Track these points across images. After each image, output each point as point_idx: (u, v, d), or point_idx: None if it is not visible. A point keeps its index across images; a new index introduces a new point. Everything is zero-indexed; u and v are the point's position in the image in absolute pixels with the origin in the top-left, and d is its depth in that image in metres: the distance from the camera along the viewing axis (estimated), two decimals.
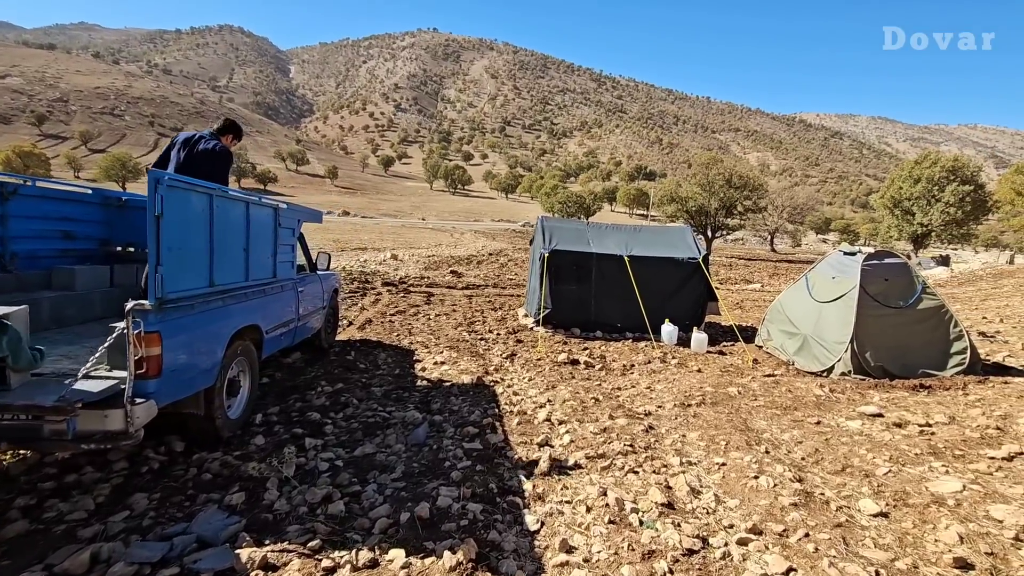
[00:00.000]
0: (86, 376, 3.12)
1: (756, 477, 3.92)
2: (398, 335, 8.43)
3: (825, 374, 6.94)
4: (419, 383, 6.11)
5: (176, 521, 3.06)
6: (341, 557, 2.82)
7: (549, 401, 5.60)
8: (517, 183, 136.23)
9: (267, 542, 2.91)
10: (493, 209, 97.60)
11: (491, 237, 40.74)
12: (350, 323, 9.14)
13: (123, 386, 2.99)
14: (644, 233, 10.33)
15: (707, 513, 3.49)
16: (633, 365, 7.33)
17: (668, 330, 8.75)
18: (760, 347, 8.58)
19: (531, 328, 9.32)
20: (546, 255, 8.89)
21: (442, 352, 7.46)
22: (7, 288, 4.15)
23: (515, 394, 5.82)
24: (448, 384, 6.08)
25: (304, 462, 3.93)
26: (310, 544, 2.89)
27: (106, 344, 3.10)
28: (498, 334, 8.82)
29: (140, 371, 3.07)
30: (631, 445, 4.46)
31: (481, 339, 8.44)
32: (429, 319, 9.87)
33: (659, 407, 5.58)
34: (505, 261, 22.26)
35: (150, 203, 3.06)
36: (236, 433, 4.30)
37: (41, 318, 4.21)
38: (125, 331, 3.00)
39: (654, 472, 4.00)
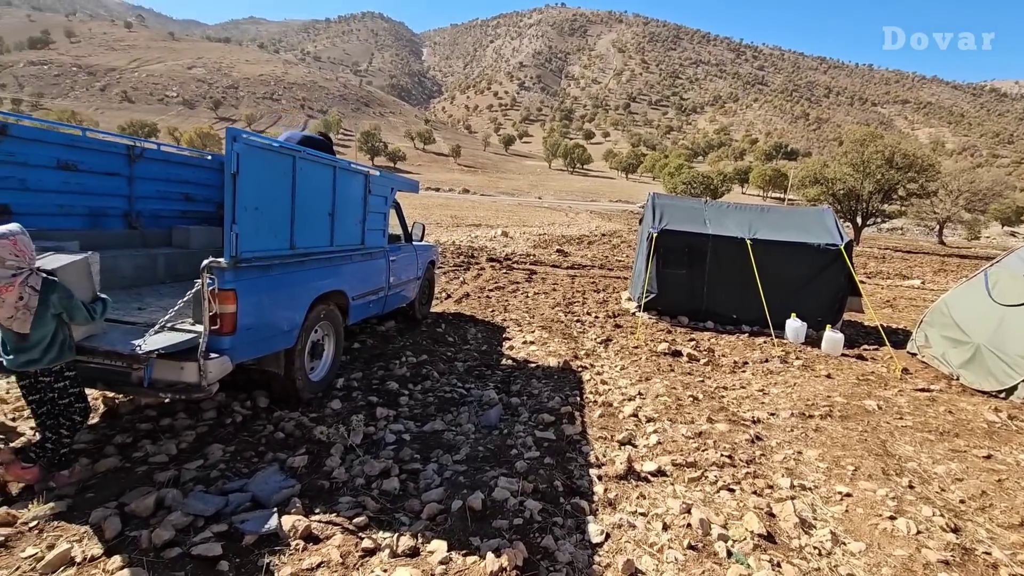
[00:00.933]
0: (172, 329, 3.26)
1: (892, 518, 3.12)
2: (493, 311, 8.29)
3: (1003, 395, 5.55)
4: (504, 362, 5.88)
5: (240, 476, 3.12)
6: (383, 540, 2.65)
7: (640, 394, 5.06)
8: (639, 163, 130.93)
9: (317, 511, 2.84)
10: (612, 189, 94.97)
11: (607, 218, 39.57)
12: (448, 296, 9.20)
13: (200, 340, 3.06)
14: (773, 214, 9.09)
15: (819, 555, 2.83)
16: (746, 363, 6.47)
17: (794, 326, 7.62)
18: (914, 355, 7.16)
19: (633, 313, 8.68)
20: (654, 235, 8.15)
21: (534, 331, 7.18)
22: (133, 244, 4.57)
23: (603, 383, 5.36)
24: (533, 365, 5.77)
25: (372, 432, 3.87)
26: (356, 520, 2.77)
27: (184, 299, 3.20)
28: (596, 317, 8.33)
29: (214, 327, 3.13)
30: (730, 456, 3.82)
31: (577, 321, 8.02)
32: (527, 297, 9.63)
33: (772, 415, 4.79)
34: (617, 243, 21.36)
35: (227, 161, 3.07)
36: (317, 395, 4.38)
37: (158, 272, 4.60)
38: (201, 287, 3.06)
39: (755, 493, 3.37)
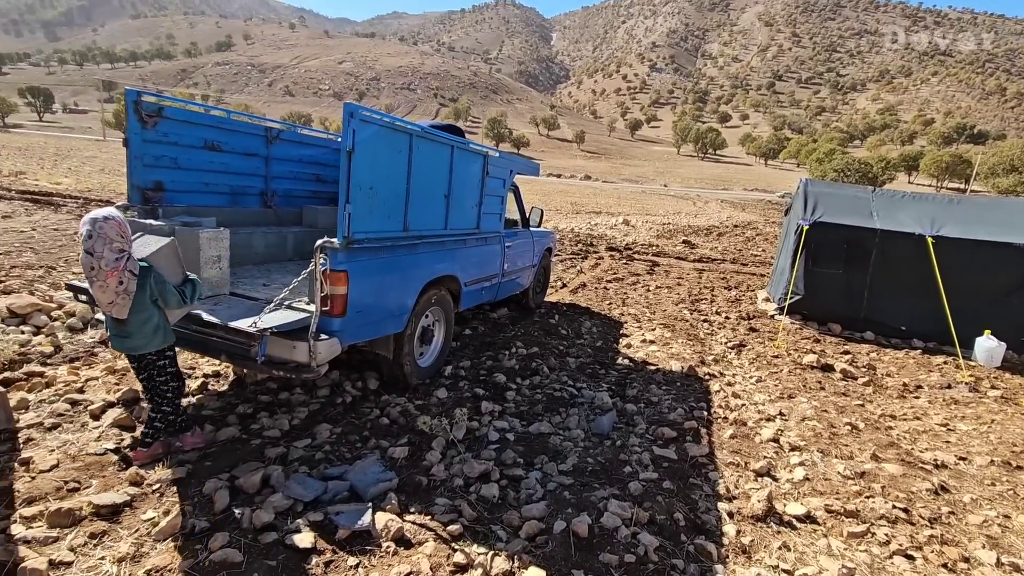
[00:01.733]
0: (289, 307, 3.30)
1: None
2: (610, 304, 7.79)
3: None
4: (619, 361, 5.41)
5: (342, 461, 3.07)
6: (477, 556, 2.40)
7: (782, 414, 4.32)
8: (781, 147, 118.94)
9: (412, 509, 2.68)
10: (748, 177, 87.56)
11: (740, 207, 36.42)
12: (564, 285, 8.85)
13: (311, 321, 3.03)
14: (964, 207, 7.43)
15: None
16: (919, 387, 5.31)
17: (987, 345, 6.16)
18: None
19: (772, 316, 7.65)
20: (804, 228, 7.04)
21: (654, 329, 6.58)
22: (267, 222, 4.82)
23: (735, 396, 4.67)
24: (653, 368, 5.23)
25: (476, 427, 3.67)
26: (451, 527, 2.55)
27: (299, 278, 3.20)
28: (727, 317, 7.46)
29: (325, 308, 3.09)
30: (906, 510, 3.04)
31: (704, 320, 7.23)
32: (648, 290, 8.96)
33: (962, 459, 3.81)
34: (752, 235, 19.41)
35: (343, 137, 2.97)
36: (424, 382, 4.29)
37: (287, 250, 4.80)
38: (313, 268, 3.02)
39: (946, 567, 2.61)
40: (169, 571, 2.12)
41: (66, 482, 2.61)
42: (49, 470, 2.71)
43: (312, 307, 3.13)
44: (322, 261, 3.04)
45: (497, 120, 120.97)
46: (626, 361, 5.42)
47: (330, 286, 3.08)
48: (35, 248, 7.31)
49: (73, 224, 9.38)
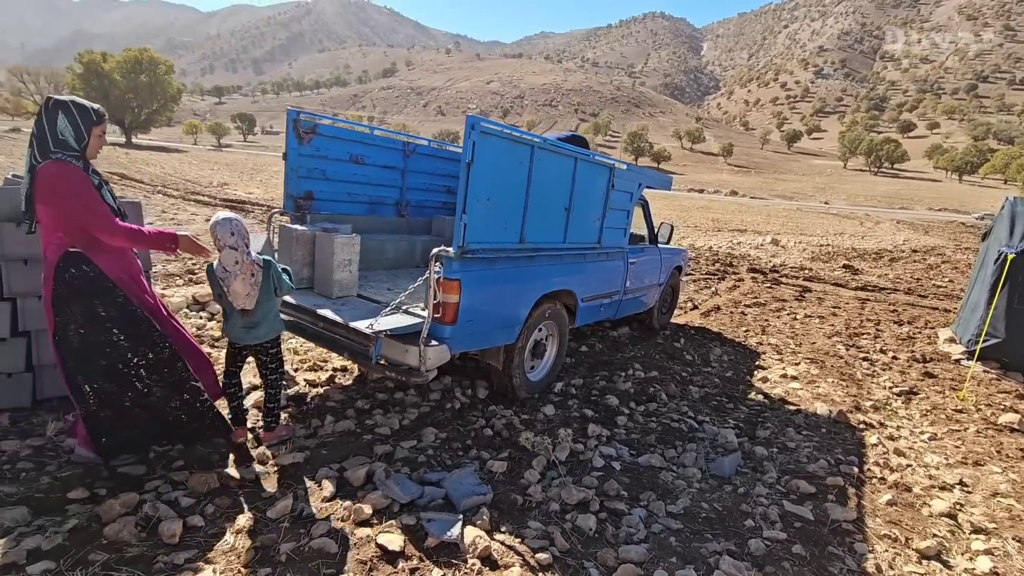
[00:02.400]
0: (406, 311, 3.44)
1: None
2: (747, 331, 7.06)
3: None
4: (752, 396, 4.83)
5: (442, 468, 3.09)
6: None
7: (963, 484, 3.50)
8: (982, 160, 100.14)
9: (503, 528, 2.59)
10: (934, 194, 75.08)
11: (922, 230, 31.24)
12: (694, 307, 8.24)
13: (423, 326, 3.12)
14: None
15: None
16: None
17: None
18: None
19: (957, 361, 6.33)
20: (1010, 256, 5.72)
21: (798, 364, 5.80)
22: (400, 230, 5.13)
23: (898, 453, 3.89)
24: (792, 408, 4.59)
25: (580, 450, 3.49)
26: (540, 555, 2.42)
27: (413, 285, 3.31)
28: (894, 357, 6.33)
29: (437, 315, 3.17)
30: None
31: (864, 359, 6.21)
32: (795, 319, 7.97)
33: None
34: (936, 262, 16.44)
35: (464, 149, 3.03)
36: (533, 396, 4.21)
37: (415, 257, 5.06)
38: (428, 275, 3.11)
39: None
40: (272, 551, 2.27)
41: (211, 451, 2.97)
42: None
43: (424, 313, 3.22)
44: (437, 269, 3.12)
45: (637, 134, 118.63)
46: (760, 397, 4.83)
47: (443, 294, 3.15)
48: None
49: (255, 227, 10.98)
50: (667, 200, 44.76)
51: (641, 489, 3.12)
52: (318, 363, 4.43)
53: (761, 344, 6.52)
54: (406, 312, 3.40)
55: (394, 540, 2.38)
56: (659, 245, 6.22)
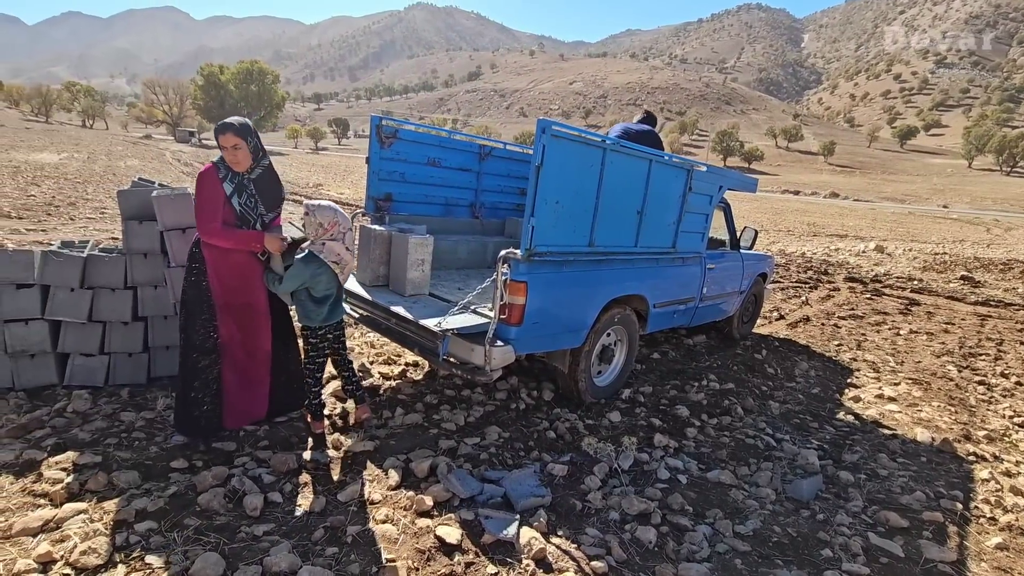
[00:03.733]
0: (473, 311, 3.52)
1: None
2: (839, 345, 6.53)
3: None
4: (840, 416, 4.47)
5: (503, 467, 3.13)
6: None
7: None
8: None
9: (559, 533, 2.59)
10: None
11: None
12: (780, 317, 7.73)
13: (490, 327, 3.18)
14: None
15: None
16: None
17: None
18: None
19: None
20: None
21: (898, 384, 5.28)
22: (473, 231, 5.25)
23: (1015, 491, 3.44)
24: (887, 433, 4.19)
25: (645, 460, 3.40)
26: (596, 563, 2.39)
27: (481, 286, 3.38)
28: (1018, 383, 5.59)
29: (503, 316, 3.21)
30: None
31: (980, 383, 5.54)
32: (898, 334, 7.26)
33: None
34: None
35: (534, 152, 3.05)
36: (599, 401, 4.16)
37: (487, 258, 5.15)
38: (496, 276, 3.17)
39: None
40: (340, 532, 2.42)
41: (291, 435, 3.21)
42: (286, 421, 3.37)
43: (491, 314, 3.28)
44: (504, 271, 3.16)
45: (727, 132, 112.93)
46: (850, 418, 4.45)
47: (509, 295, 3.19)
48: None
49: None
50: (756, 203, 42.32)
51: (708, 506, 2.99)
52: (392, 357, 4.65)
53: (855, 360, 6.01)
54: (474, 312, 3.48)
55: (452, 533, 2.45)
56: (741, 250, 5.90)
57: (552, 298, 3.43)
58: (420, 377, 4.35)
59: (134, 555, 2.16)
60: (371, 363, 4.47)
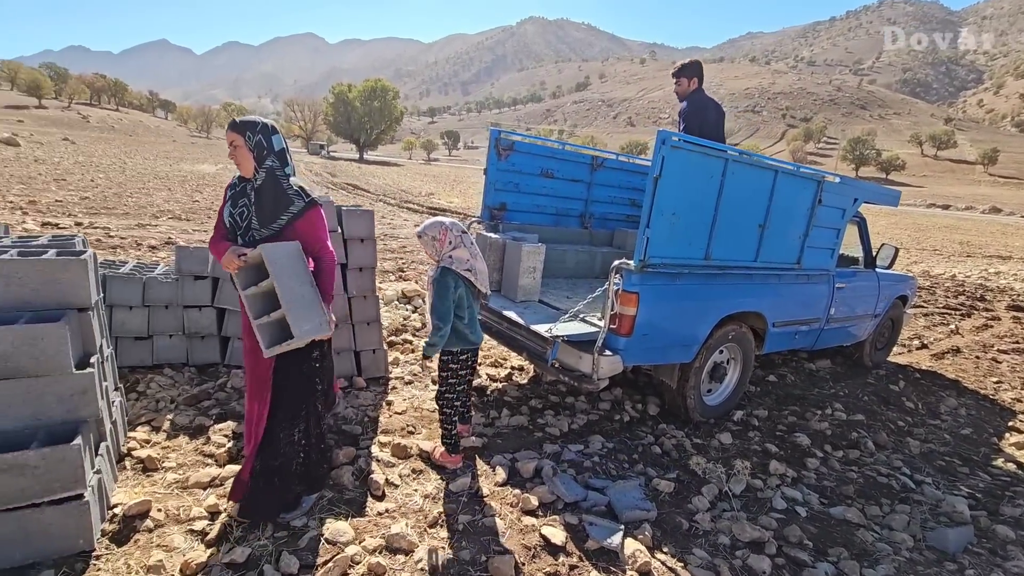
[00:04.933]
0: (582, 319, 3.57)
1: None
2: (998, 383, 5.67)
3: None
4: (998, 463, 3.89)
5: (607, 476, 3.13)
6: None
7: None
8: None
9: (664, 549, 2.54)
10: None
11: None
12: (923, 346, 6.88)
13: (598, 336, 3.21)
14: None
15: None
16: None
17: None
18: None
19: None
20: None
21: None
22: (582, 241, 5.29)
23: None
24: None
25: (759, 487, 3.22)
26: None
27: (594, 294, 3.41)
28: None
29: (613, 326, 3.23)
30: None
31: None
32: None
33: None
34: None
35: (652, 163, 3.05)
36: (708, 421, 4.00)
37: (595, 268, 5.17)
38: (608, 286, 3.19)
39: None
40: (452, 519, 2.57)
41: (408, 425, 3.46)
42: (402, 413, 3.64)
43: (601, 323, 3.30)
44: (616, 281, 3.18)
45: (861, 140, 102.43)
46: (1010, 466, 3.87)
47: (620, 306, 3.20)
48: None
49: None
50: (895, 217, 37.93)
51: (830, 543, 2.77)
52: (499, 360, 4.82)
53: (1020, 401, 5.19)
54: (583, 320, 3.53)
55: (557, 534, 2.50)
56: (877, 269, 5.37)
57: (664, 311, 3.38)
58: (525, 381, 4.46)
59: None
60: (479, 364, 4.67)
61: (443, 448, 3.06)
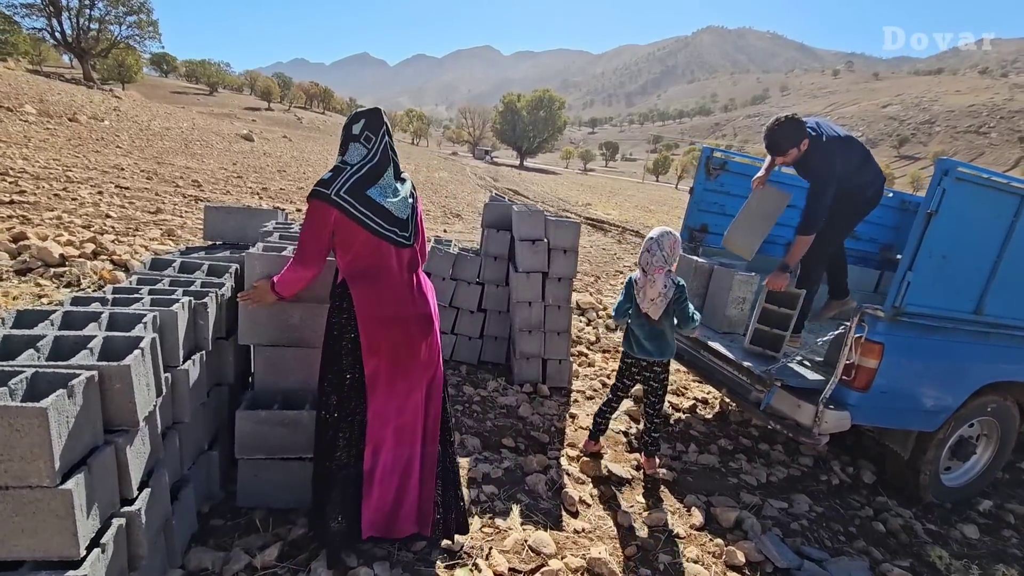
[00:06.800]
0: (802, 363, 3.19)
1: None
2: None
3: None
4: None
5: (820, 546, 2.75)
6: None
7: None
8: None
9: None
10: None
11: None
12: None
13: (826, 386, 2.84)
14: None
15: None
16: None
17: None
18: None
19: None
20: None
21: None
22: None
23: None
24: None
25: None
26: None
27: (826, 337, 3.02)
28: None
29: (846, 378, 2.82)
30: None
31: None
32: None
33: None
34: None
35: (927, 197, 2.61)
36: (943, 505, 3.33)
37: (814, 306, 4.62)
38: (846, 332, 2.80)
39: None
40: (652, 555, 2.44)
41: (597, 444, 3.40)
42: (587, 428, 3.59)
43: (832, 372, 2.91)
44: (858, 327, 2.78)
45: None
46: None
47: (859, 356, 2.78)
48: (590, 261, 9.79)
49: (615, 246, 12.12)
50: None
51: None
52: (681, 388, 4.56)
53: None
54: (805, 365, 3.15)
55: None
56: None
57: (911, 368, 2.87)
58: (711, 416, 4.15)
59: (487, 513, 2.55)
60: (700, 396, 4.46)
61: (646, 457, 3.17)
